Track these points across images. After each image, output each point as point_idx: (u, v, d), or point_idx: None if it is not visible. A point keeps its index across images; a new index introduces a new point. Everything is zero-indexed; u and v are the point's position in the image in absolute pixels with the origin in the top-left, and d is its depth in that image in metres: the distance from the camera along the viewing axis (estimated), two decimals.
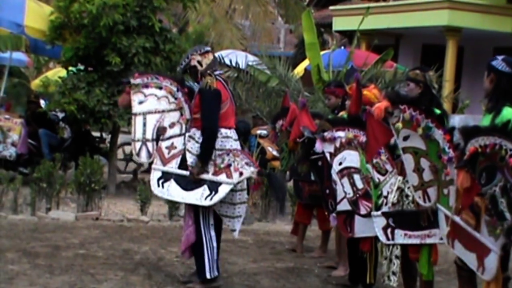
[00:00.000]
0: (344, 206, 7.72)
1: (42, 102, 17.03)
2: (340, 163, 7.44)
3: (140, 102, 7.93)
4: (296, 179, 10.00)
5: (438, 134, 6.17)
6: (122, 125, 13.37)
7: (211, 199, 7.50)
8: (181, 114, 7.87)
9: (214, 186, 7.50)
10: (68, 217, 10.92)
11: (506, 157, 5.08)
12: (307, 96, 13.60)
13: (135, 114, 7.94)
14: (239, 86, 14.65)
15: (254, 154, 13.38)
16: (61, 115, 14.88)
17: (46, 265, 8.11)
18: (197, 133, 7.59)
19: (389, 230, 6.86)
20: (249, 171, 7.57)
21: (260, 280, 8.23)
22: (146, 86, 7.93)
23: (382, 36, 20.73)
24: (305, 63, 17.65)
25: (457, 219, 5.86)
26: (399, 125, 6.29)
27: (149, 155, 7.87)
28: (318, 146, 7.55)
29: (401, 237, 6.78)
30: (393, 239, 6.84)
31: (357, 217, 7.56)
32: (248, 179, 8.03)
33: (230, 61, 15.10)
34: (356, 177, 7.35)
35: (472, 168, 5.38)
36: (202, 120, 7.53)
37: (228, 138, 7.60)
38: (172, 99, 7.89)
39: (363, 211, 7.35)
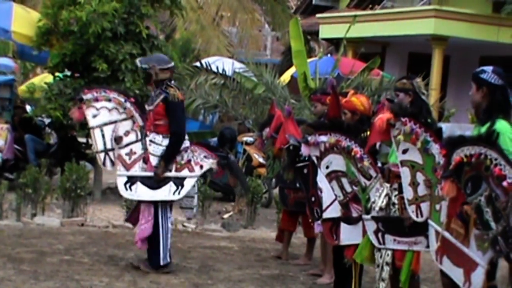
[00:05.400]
0: (330, 213, 7.73)
1: (28, 108, 16.94)
2: (327, 167, 7.44)
3: (94, 116, 8.56)
4: (281, 186, 10.00)
5: (435, 148, 6.19)
6: None
7: (179, 193, 8.34)
8: (134, 122, 8.52)
9: (179, 182, 8.26)
10: (53, 223, 10.89)
11: (491, 167, 5.10)
12: (293, 103, 13.62)
13: (93, 128, 8.57)
14: (226, 93, 14.68)
15: (240, 161, 13.40)
16: (47, 120, 14.84)
17: (31, 271, 8.10)
18: (157, 137, 8.32)
19: (379, 234, 6.90)
20: (209, 162, 8.31)
21: (245, 287, 8.24)
22: (96, 100, 8.57)
23: (369, 44, 20.78)
24: (292, 71, 17.68)
25: (447, 234, 5.87)
26: (400, 137, 6.32)
27: (113, 163, 8.53)
28: (304, 151, 7.54)
29: (391, 242, 6.81)
30: (384, 243, 6.88)
31: (343, 225, 7.57)
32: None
33: (217, 68, 15.11)
34: (344, 180, 7.34)
35: (457, 178, 5.41)
36: (170, 126, 8.28)
37: None
38: (121, 109, 8.56)
39: (354, 213, 7.36)
